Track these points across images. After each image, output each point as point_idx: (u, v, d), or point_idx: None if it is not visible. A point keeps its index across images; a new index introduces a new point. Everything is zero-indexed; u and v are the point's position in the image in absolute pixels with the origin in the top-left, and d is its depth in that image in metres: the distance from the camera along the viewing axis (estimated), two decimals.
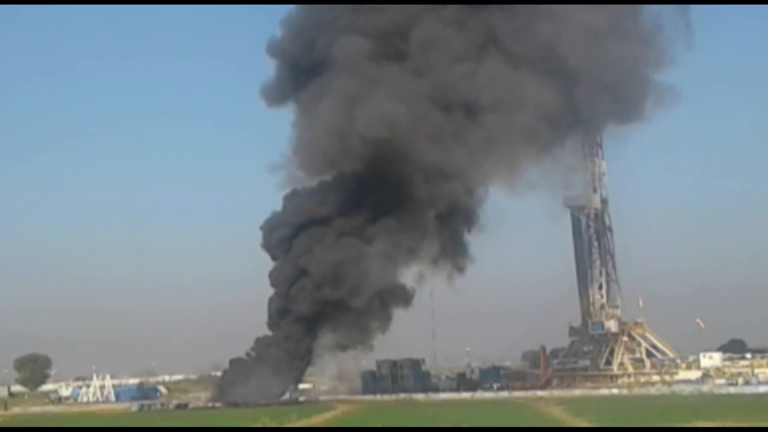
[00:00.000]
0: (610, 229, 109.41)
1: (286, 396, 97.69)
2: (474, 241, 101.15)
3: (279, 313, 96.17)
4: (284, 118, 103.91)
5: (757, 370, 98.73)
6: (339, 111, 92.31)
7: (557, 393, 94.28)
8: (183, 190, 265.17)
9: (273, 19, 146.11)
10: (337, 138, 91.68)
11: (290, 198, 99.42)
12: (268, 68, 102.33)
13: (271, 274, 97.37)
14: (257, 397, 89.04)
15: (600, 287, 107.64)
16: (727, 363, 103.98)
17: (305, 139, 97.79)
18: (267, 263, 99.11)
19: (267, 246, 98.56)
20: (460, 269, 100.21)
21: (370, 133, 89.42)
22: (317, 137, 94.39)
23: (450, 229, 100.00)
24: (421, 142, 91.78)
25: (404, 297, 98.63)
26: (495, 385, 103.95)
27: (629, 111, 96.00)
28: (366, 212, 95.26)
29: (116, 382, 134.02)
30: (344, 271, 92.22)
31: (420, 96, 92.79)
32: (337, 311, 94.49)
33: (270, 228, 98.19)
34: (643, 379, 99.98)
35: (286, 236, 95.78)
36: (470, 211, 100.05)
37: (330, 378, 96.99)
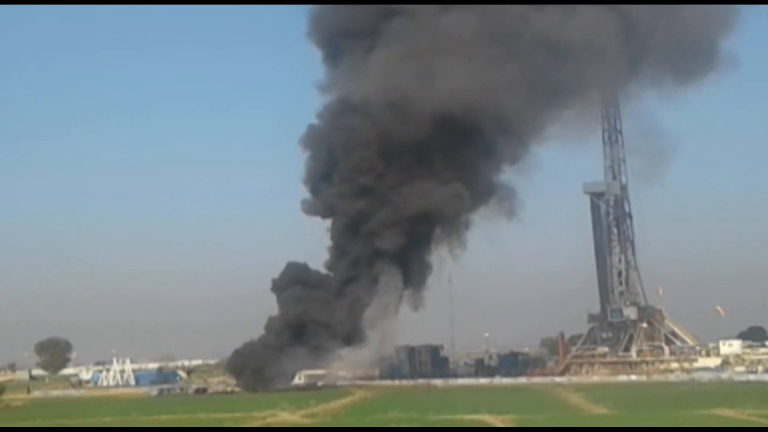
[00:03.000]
0: (630, 216, 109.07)
1: (303, 381, 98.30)
2: (494, 227, 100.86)
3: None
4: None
5: None
6: (397, 67, 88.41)
7: (576, 379, 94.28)
8: (204, 179, 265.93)
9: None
10: (396, 101, 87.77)
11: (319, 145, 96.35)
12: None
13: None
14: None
15: (619, 274, 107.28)
16: (747, 350, 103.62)
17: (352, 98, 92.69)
18: (286, 252, 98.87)
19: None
20: (512, 214, 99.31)
21: (443, 108, 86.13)
22: (370, 94, 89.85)
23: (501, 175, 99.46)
24: (495, 107, 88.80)
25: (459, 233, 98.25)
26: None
27: (691, 70, 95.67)
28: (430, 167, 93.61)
29: (136, 366, 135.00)
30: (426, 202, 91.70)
31: (494, 51, 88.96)
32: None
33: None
34: (662, 366, 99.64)
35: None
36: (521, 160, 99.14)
37: (373, 349, 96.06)
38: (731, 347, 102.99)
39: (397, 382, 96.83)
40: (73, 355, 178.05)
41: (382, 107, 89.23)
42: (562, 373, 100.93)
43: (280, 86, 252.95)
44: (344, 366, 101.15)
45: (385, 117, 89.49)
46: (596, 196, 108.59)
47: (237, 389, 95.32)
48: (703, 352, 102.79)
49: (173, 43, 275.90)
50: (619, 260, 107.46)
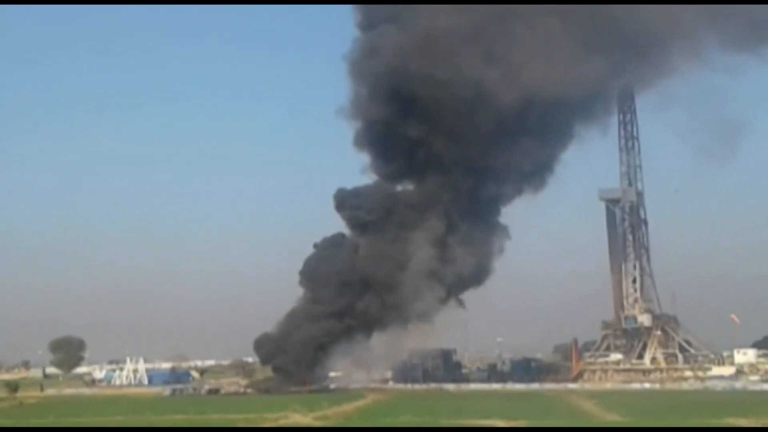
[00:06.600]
0: (646, 223, 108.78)
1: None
2: (511, 231, 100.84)
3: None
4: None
5: None
6: (472, 59, 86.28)
7: (588, 386, 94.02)
8: (219, 180, 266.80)
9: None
10: (474, 96, 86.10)
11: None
12: None
13: None
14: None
15: (634, 281, 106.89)
16: (762, 359, 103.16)
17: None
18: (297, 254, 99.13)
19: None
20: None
21: (522, 101, 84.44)
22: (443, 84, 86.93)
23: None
24: (567, 87, 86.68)
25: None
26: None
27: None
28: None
29: (149, 366, 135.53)
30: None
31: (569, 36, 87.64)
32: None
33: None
34: (675, 374, 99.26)
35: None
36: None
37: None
38: (746, 356, 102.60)
39: (409, 386, 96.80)
40: (87, 354, 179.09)
41: (458, 99, 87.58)
42: (575, 380, 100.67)
43: (286, 82, 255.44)
44: (363, 365, 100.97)
45: (461, 107, 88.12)
46: (612, 203, 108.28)
47: (249, 390, 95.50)
48: (717, 361, 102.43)
49: (176, 38, 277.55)
50: (634, 267, 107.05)
